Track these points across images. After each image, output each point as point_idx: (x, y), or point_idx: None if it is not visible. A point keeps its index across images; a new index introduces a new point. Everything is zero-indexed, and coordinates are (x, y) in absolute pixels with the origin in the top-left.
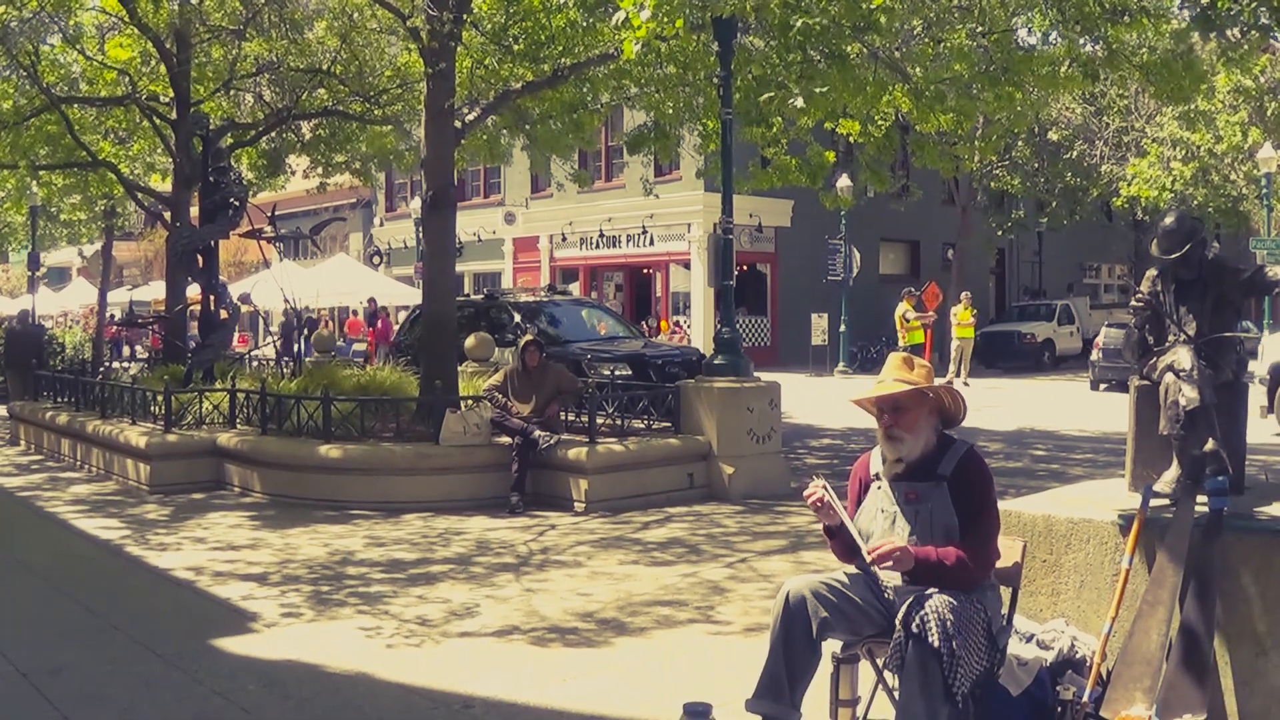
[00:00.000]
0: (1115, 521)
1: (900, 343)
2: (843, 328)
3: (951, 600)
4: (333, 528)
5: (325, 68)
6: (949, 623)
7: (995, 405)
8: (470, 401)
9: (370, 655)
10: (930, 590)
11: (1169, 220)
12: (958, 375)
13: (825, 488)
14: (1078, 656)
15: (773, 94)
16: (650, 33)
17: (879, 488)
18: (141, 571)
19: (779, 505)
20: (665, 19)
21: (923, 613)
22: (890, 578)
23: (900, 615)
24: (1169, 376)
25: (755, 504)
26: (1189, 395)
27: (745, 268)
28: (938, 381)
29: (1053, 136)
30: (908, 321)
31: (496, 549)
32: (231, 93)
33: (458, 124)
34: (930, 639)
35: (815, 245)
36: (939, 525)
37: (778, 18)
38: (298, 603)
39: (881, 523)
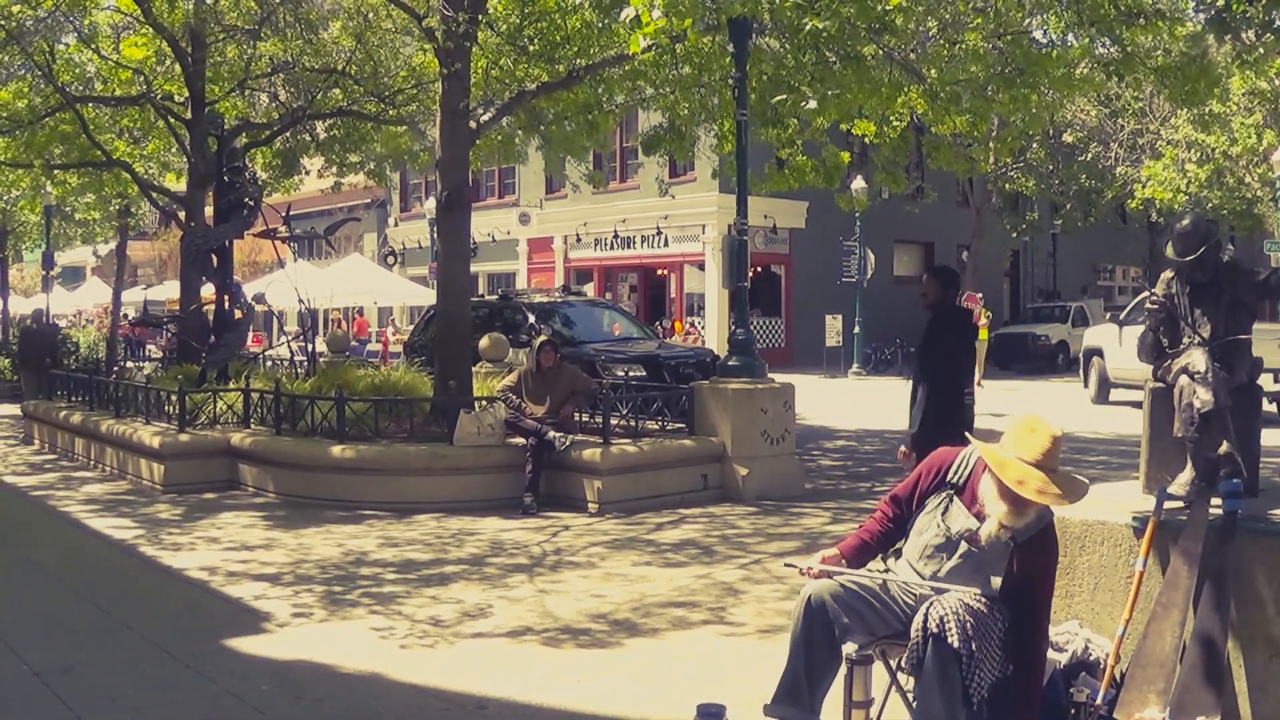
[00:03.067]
0: (1129, 524)
1: None
2: (857, 329)
3: (970, 604)
4: (346, 528)
5: (340, 68)
6: (969, 625)
7: (1009, 408)
8: (484, 402)
9: (383, 656)
10: (949, 591)
11: (1184, 223)
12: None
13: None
14: (1091, 659)
15: (784, 96)
16: (659, 31)
17: (950, 498)
18: (154, 571)
19: (793, 506)
20: (675, 18)
21: (943, 614)
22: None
23: (919, 617)
24: (1183, 379)
25: (769, 505)
26: (1204, 397)
27: (760, 269)
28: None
29: (1067, 139)
30: None
31: (510, 550)
32: (246, 92)
33: (472, 124)
34: (950, 640)
35: (830, 247)
36: (982, 576)
37: (790, 20)
38: (310, 603)
39: (932, 537)
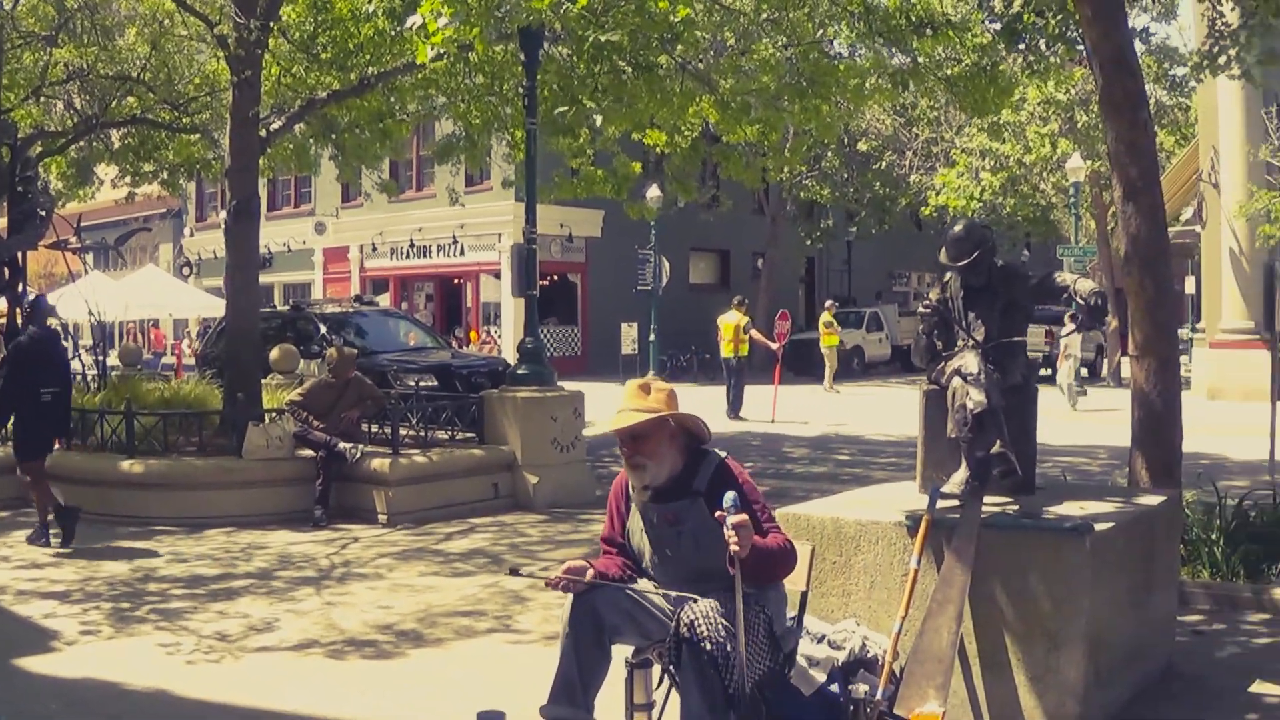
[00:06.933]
0: (903, 523)
1: (724, 354)
2: (652, 337)
3: (725, 603)
4: (136, 544)
5: (135, 75)
6: (723, 625)
7: (803, 412)
8: (274, 414)
9: (170, 672)
10: (704, 593)
11: (958, 228)
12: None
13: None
14: (869, 656)
15: (566, 108)
16: (447, 40)
17: (637, 510)
18: None
19: (583, 514)
20: (463, 27)
21: (694, 618)
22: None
23: (674, 621)
24: (956, 381)
25: (560, 512)
26: (976, 398)
27: (555, 278)
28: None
29: (862, 147)
30: (745, 334)
31: (298, 563)
32: (41, 100)
33: (263, 133)
34: (703, 642)
35: (626, 255)
36: (702, 542)
37: (578, 30)
38: (99, 620)
39: (646, 543)
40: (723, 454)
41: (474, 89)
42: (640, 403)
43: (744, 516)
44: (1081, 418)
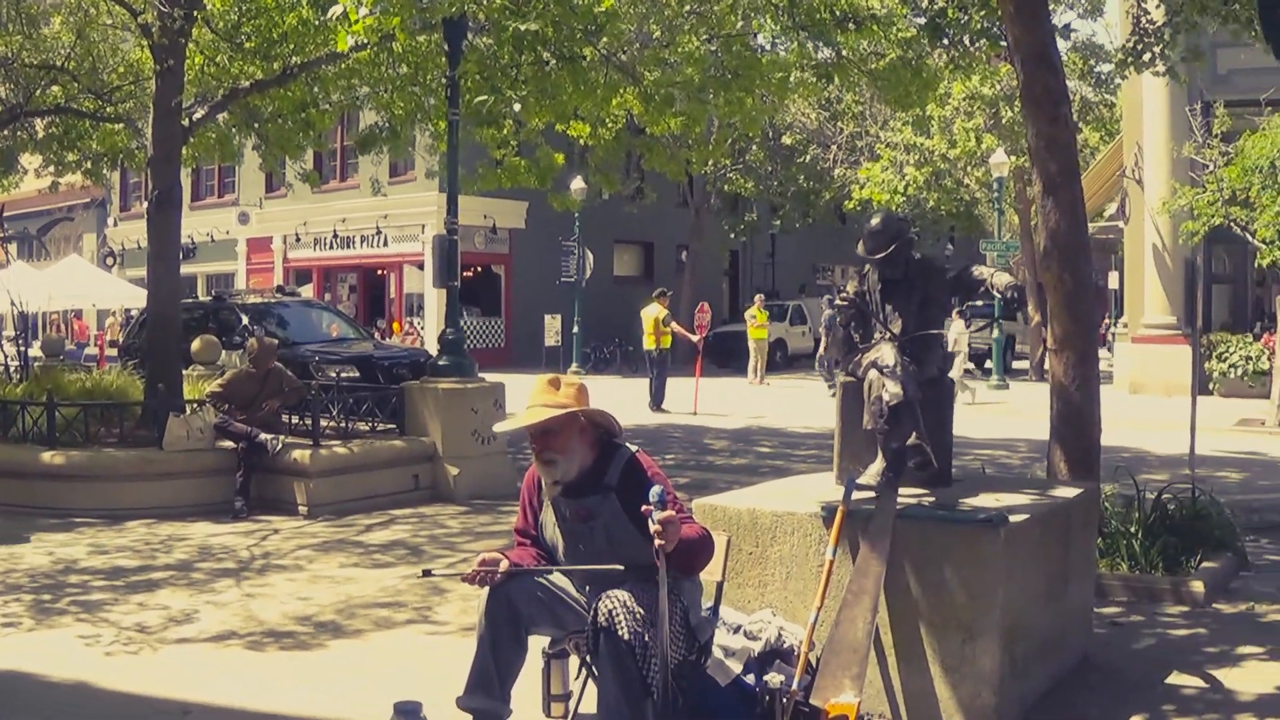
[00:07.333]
0: (818, 514)
1: (646, 346)
2: (576, 329)
3: (642, 595)
4: (57, 535)
5: (60, 64)
6: (640, 615)
7: (724, 404)
8: (194, 405)
9: (89, 663)
10: (620, 584)
11: (874, 221)
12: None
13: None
14: (785, 646)
15: (486, 97)
16: (368, 29)
17: (549, 504)
18: None
19: (503, 505)
20: (384, 17)
21: (612, 608)
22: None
23: (591, 611)
24: (873, 373)
25: (480, 504)
26: (892, 390)
27: (479, 269)
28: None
29: (786, 141)
30: (664, 326)
31: (218, 554)
32: None
33: (186, 122)
34: (620, 632)
35: (550, 247)
36: (615, 537)
37: (499, 21)
38: (19, 612)
39: (560, 538)
40: (634, 448)
41: (397, 79)
42: (550, 398)
43: (671, 513)
44: (986, 410)
